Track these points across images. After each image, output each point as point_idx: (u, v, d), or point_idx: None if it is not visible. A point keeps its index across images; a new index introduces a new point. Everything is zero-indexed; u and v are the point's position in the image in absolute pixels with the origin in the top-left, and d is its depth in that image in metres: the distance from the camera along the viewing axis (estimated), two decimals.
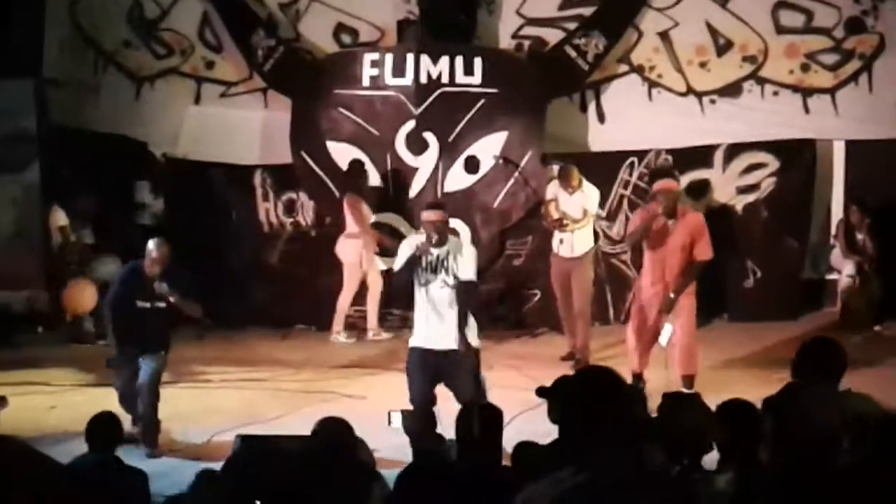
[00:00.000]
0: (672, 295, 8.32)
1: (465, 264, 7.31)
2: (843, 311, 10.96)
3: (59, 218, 11.16)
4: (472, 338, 7.40)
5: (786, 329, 10.21)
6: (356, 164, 11.03)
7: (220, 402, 8.83)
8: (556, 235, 9.99)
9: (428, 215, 7.37)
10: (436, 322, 7.31)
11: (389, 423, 6.07)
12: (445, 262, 7.28)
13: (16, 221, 11.65)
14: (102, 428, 5.84)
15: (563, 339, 10.29)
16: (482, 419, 5.00)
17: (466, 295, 7.32)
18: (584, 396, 3.18)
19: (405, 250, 7.38)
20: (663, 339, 8.34)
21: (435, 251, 7.26)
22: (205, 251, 11.38)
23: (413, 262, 7.25)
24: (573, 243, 9.90)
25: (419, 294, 7.36)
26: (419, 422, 6.79)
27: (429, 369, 7.32)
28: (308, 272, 11.45)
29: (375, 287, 10.84)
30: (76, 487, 5.41)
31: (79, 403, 8.22)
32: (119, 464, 5.77)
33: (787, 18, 11.24)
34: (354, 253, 10.81)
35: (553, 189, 10.19)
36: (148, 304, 7.83)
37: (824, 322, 10.82)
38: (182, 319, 8.30)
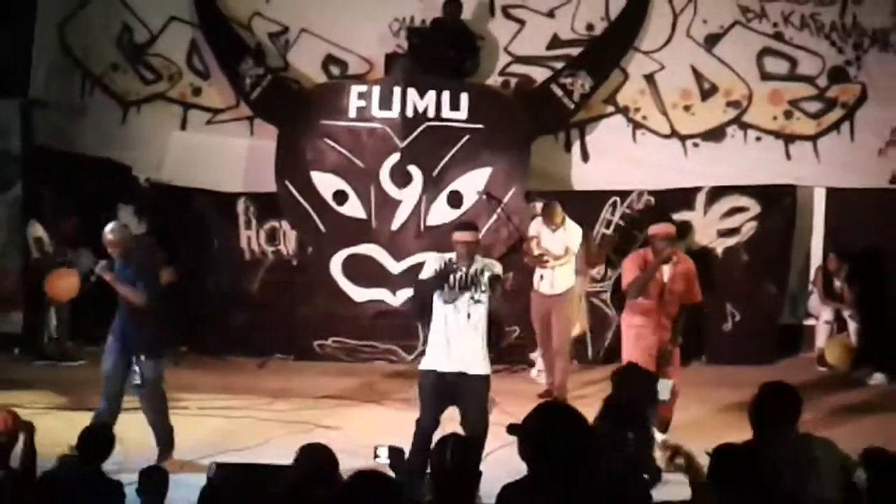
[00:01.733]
0: (670, 346, 8.17)
1: (497, 270, 7.42)
2: (819, 357, 11.02)
3: (36, 230, 11.16)
4: (486, 366, 7.43)
5: (763, 373, 10.22)
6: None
7: (196, 429, 8.79)
8: (537, 272, 10.02)
9: (461, 236, 7.38)
10: (458, 342, 7.29)
11: (376, 457, 6.05)
12: (475, 279, 7.29)
13: None
14: (93, 439, 5.89)
15: (542, 376, 10.31)
16: (457, 451, 4.99)
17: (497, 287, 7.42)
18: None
19: (431, 265, 7.37)
20: (665, 393, 8.08)
21: (464, 268, 7.28)
22: (185, 277, 11.36)
23: (444, 274, 7.23)
24: (554, 280, 9.93)
25: (443, 312, 7.32)
26: (413, 456, 6.79)
27: (443, 394, 7.29)
28: (288, 301, 11.44)
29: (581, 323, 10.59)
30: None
31: (54, 427, 8.16)
32: (100, 475, 5.78)
33: (772, 65, 11.37)
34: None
35: (536, 226, 10.23)
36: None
37: (801, 367, 10.87)
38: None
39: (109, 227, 7.96)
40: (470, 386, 7.28)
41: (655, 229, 8.32)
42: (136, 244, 8.05)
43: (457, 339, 7.28)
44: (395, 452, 6.00)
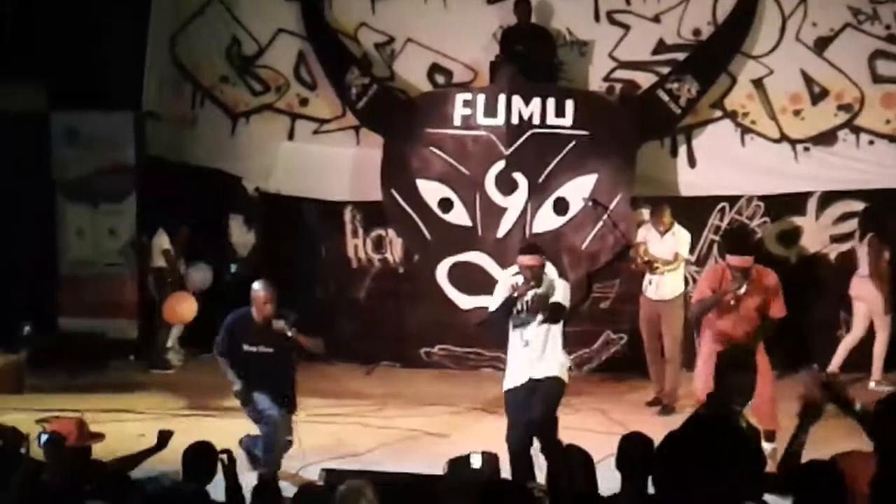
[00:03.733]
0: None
1: (561, 293, 7.41)
2: None
3: (164, 242, 11.44)
4: (563, 372, 7.41)
5: (877, 393, 10.04)
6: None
7: (306, 436, 8.88)
8: (647, 277, 9.96)
9: (524, 260, 7.37)
10: (532, 361, 7.34)
11: (470, 464, 6.10)
12: (543, 302, 7.30)
13: (113, 251, 11.94)
14: (199, 458, 5.81)
15: (649, 384, 10.22)
16: (576, 463, 4.99)
17: (554, 314, 7.37)
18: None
19: (501, 291, 7.39)
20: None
21: (531, 292, 7.28)
22: (294, 285, 11.50)
23: (510, 303, 7.26)
24: (663, 286, 9.86)
25: (515, 334, 7.37)
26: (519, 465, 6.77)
27: (524, 405, 7.34)
28: (394, 309, 11.52)
29: (883, 333, 10.44)
30: None
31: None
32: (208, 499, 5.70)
33: (884, 68, 11.08)
34: (869, 295, 10.41)
35: (644, 232, 10.17)
36: (254, 349, 8.03)
37: None
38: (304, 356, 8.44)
39: (260, 286, 8.05)
40: (541, 385, 7.34)
41: (731, 259, 8.20)
42: None
43: (530, 357, 7.35)
44: (488, 459, 6.02)
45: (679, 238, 9.97)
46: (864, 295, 10.40)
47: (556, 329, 7.40)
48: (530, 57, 11.20)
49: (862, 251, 10.52)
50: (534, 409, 7.32)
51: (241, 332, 8.08)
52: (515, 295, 7.24)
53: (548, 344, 7.38)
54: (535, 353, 7.37)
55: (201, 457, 5.82)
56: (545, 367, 7.38)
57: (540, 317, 7.32)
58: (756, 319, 8.14)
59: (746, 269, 8.10)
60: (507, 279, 7.54)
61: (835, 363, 10.45)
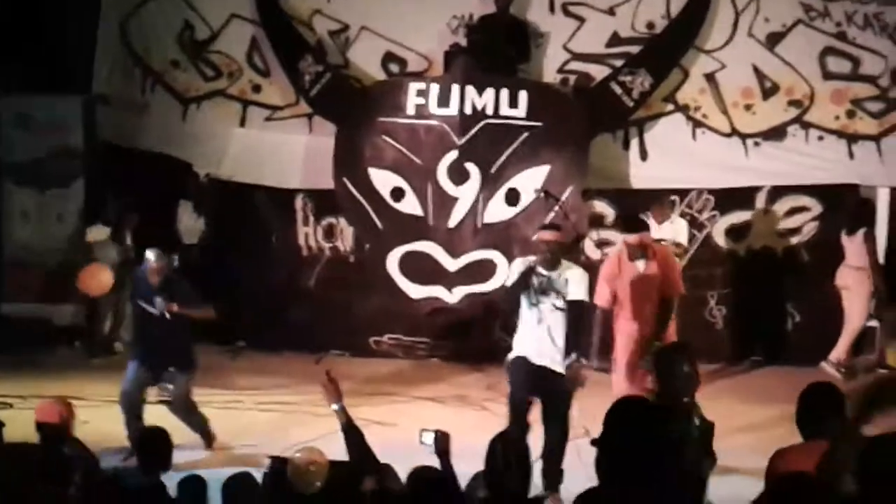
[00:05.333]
0: (657, 342, 8.01)
1: (575, 285, 7.41)
2: (880, 358, 10.87)
3: (97, 235, 11.27)
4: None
5: (825, 374, 10.13)
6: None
7: (253, 424, 8.86)
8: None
9: (544, 234, 7.49)
10: (544, 342, 7.40)
11: (421, 441, 6.08)
12: (556, 284, 7.33)
13: (60, 236, 11.80)
14: (157, 446, 5.80)
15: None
16: (513, 453, 4.99)
17: (576, 315, 7.41)
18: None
19: (516, 269, 7.45)
20: None
21: (547, 273, 7.31)
22: (244, 272, 11.46)
23: (527, 275, 7.28)
24: None
25: (528, 314, 7.45)
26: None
27: (532, 377, 7.41)
28: (345, 298, 11.48)
29: (856, 322, 10.55)
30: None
31: (112, 418, 8.27)
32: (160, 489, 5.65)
33: (835, 65, 11.20)
34: (856, 283, 10.47)
35: None
36: (143, 305, 8.20)
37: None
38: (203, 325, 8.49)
39: (152, 255, 8.17)
40: (554, 384, 7.39)
41: (628, 238, 8.32)
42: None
43: (542, 338, 7.41)
44: (440, 437, 6.00)
45: (677, 227, 10.17)
46: (851, 284, 10.49)
47: (563, 318, 7.44)
48: (505, 48, 11.21)
49: (850, 243, 10.52)
50: (555, 411, 7.34)
51: (140, 284, 8.29)
52: (535, 270, 7.29)
53: (561, 327, 7.40)
54: (550, 335, 7.40)
55: (155, 443, 5.80)
56: (556, 361, 7.40)
57: (554, 300, 7.33)
58: (656, 298, 8.20)
59: (644, 245, 8.21)
60: (521, 261, 7.60)
61: (834, 355, 10.48)
